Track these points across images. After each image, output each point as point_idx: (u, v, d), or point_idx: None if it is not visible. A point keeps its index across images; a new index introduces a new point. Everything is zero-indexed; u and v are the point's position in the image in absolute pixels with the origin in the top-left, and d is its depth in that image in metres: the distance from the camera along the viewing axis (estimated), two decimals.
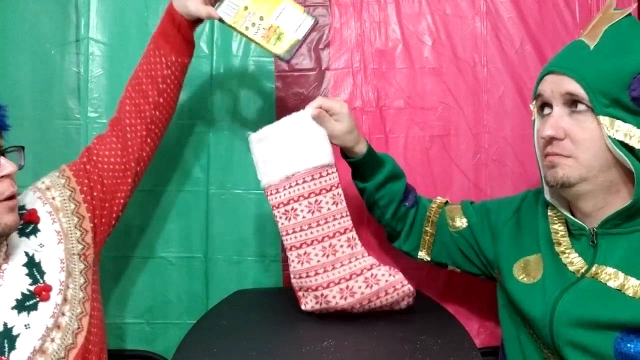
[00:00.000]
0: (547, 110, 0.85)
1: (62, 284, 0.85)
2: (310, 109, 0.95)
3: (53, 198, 0.90)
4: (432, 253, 1.06)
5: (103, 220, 0.94)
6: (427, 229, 1.05)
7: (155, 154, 1.03)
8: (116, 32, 1.21)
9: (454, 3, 1.22)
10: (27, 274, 0.82)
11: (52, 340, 0.81)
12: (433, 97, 1.22)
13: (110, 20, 1.21)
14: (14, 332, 0.78)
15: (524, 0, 1.21)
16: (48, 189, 0.90)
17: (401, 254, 1.11)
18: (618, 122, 0.76)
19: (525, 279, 0.89)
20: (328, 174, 0.96)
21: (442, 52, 1.22)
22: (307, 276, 0.96)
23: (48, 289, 0.82)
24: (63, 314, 0.83)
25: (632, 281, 0.78)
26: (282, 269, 1.22)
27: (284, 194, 0.96)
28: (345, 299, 0.95)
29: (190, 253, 1.23)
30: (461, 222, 1.03)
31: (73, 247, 0.89)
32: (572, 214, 0.87)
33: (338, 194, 0.96)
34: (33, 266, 0.83)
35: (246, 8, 0.94)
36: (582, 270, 0.83)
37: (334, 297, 0.95)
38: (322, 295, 0.96)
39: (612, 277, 0.79)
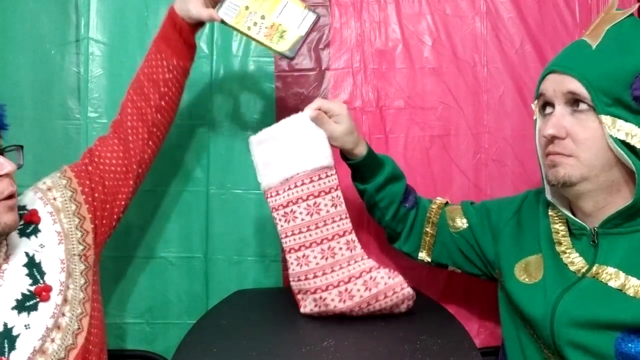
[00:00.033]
0: (549, 110, 0.85)
1: (63, 285, 0.85)
2: (309, 110, 0.95)
3: (54, 199, 0.90)
4: (433, 254, 1.05)
5: (104, 221, 0.94)
6: (427, 229, 1.05)
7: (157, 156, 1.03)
8: (116, 32, 1.22)
9: (454, 3, 1.22)
10: (27, 274, 0.82)
11: (52, 340, 0.81)
12: (433, 97, 1.22)
13: (110, 20, 1.21)
14: (14, 333, 0.78)
15: (524, 0, 1.21)
16: (49, 189, 0.90)
17: (401, 255, 1.11)
18: (620, 122, 0.77)
19: (526, 279, 0.89)
20: (327, 176, 0.95)
21: (442, 52, 1.22)
22: (306, 279, 0.96)
23: (48, 289, 0.82)
24: (63, 315, 0.83)
25: (633, 281, 0.78)
26: (282, 269, 1.22)
27: (283, 197, 0.96)
28: (344, 302, 0.94)
29: (190, 253, 1.23)
30: (462, 223, 1.03)
31: (74, 247, 0.89)
32: (573, 214, 0.87)
33: (337, 196, 0.95)
34: (33, 266, 0.83)
35: (247, 8, 0.94)
36: (583, 270, 0.83)
37: (332, 300, 0.94)
38: (320, 298, 0.95)
39: (612, 277, 0.79)
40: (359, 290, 0.94)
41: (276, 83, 1.22)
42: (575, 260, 0.84)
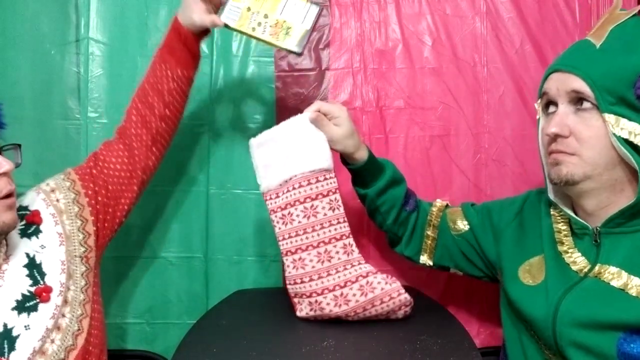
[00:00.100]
0: (552, 109, 0.85)
1: (63, 286, 0.85)
2: (309, 112, 0.95)
3: (57, 200, 0.90)
4: (435, 257, 1.05)
5: (106, 224, 0.94)
6: (428, 233, 1.05)
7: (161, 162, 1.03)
8: (116, 32, 1.22)
9: (454, 3, 1.22)
10: (27, 275, 0.82)
11: (52, 341, 0.81)
12: (433, 97, 1.22)
13: (110, 20, 1.21)
14: (14, 333, 0.78)
15: (524, 0, 1.21)
16: (53, 191, 0.90)
17: (401, 257, 1.10)
18: (623, 120, 0.77)
19: (530, 281, 0.89)
20: (325, 178, 0.95)
21: (442, 52, 1.22)
22: (302, 282, 0.95)
23: (48, 290, 0.82)
24: (63, 316, 0.83)
25: (636, 280, 0.77)
26: (282, 269, 1.21)
27: (282, 199, 0.95)
28: (340, 306, 0.94)
29: (190, 253, 1.23)
30: (463, 225, 1.03)
31: (75, 249, 0.89)
32: (575, 213, 0.87)
33: (335, 199, 0.95)
34: (34, 267, 0.83)
35: (249, 9, 0.94)
36: (585, 270, 0.83)
37: (328, 304, 0.94)
38: (316, 301, 0.95)
39: (615, 276, 0.79)
40: (354, 294, 0.93)
41: (276, 83, 1.22)
42: (577, 260, 0.84)
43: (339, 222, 0.95)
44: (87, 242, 0.91)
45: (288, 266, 0.96)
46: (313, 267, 0.94)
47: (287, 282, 0.97)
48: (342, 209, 0.95)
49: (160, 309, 1.24)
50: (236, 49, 1.22)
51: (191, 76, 1.00)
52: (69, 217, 0.89)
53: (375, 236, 1.21)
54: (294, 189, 0.95)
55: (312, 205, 0.94)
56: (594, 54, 0.80)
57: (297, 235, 0.95)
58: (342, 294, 0.93)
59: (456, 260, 1.04)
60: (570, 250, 0.86)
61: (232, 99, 1.23)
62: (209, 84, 1.21)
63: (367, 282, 0.93)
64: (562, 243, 0.88)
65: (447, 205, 1.08)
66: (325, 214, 0.94)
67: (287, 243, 0.95)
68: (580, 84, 0.79)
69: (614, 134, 0.77)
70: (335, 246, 0.95)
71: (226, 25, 0.94)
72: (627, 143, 0.77)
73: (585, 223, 0.84)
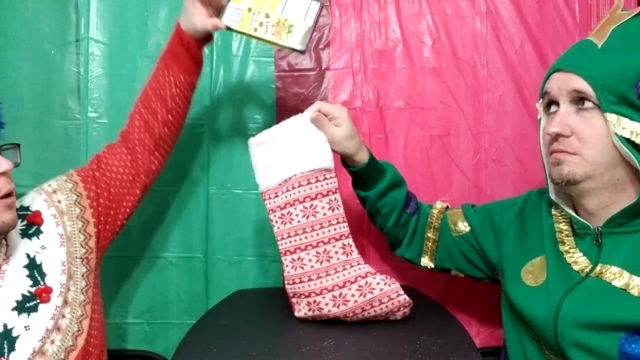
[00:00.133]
0: (553, 108, 0.85)
1: (63, 287, 0.85)
2: (309, 112, 0.95)
3: (59, 201, 0.90)
4: (436, 259, 1.05)
5: (107, 226, 0.95)
6: (429, 235, 1.04)
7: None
8: (116, 32, 1.21)
9: (454, 3, 1.22)
10: (27, 276, 0.82)
11: (52, 342, 0.81)
12: (433, 97, 1.22)
13: (110, 20, 1.21)
14: (14, 334, 0.78)
15: (524, 0, 1.21)
16: (54, 192, 0.91)
17: (401, 259, 1.10)
18: (625, 120, 0.77)
19: (532, 282, 0.89)
20: (325, 178, 0.94)
21: (442, 52, 1.21)
22: (300, 282, 0.95)
23: (48, 290, 0.82)
24: (63, 316, 0.83)
25: (637, 280, 0.77)
26: (282, 269, 1.21)
27: (281, 198, 0.95)
28: (338, 307, 0.93)
29: (190, 253, 1.23)
30: (464, 226, 1.03)
31: (76, 250, 0.89)
32: (576, 213, 0.87)
33: (335, 199, 0.94)
34: (34, 268, 0.83)
35: (250, 10, 0.94)
36: (587, 270, 0.83)
37: (326, 304, 0.93)
38: (314, 302, 0.94)
39: (616, 276, 0.79)
40: (353, 295, 0.93)
41: (276, 83, 1.22)
42: (578, 260, 0.84)
43: (338, 222, 0.95)
44: (88, 243, 0.91)
45: (287, 266, 0.96)
46: (312, 267, 0.94)
47: (286, 282, 0.97)
48: (341, 209, 0.95)
49: (160, 309, 1.24)
50: (236, 49, 1.22)
51: (194, 82, 1.00)
52: (70, 218, 0.90)
53: (375, 237, 1.21)
54: (293, 188, 0.95)
55: (311, 205, 0.94)
56: (596, 54, 0.80)
57: (296, 234, 0.94)
58: (340, 295, 0.93)
59: (457, 261, 1.04)
60: (571, 250, 0.86)
61: (232, 99, 1.23)
62: (209, 84, 1.21)
63: (366, 283, 0.93)
64: (564, 243, 0.88)
65: (447, 207, 1.08)
66: (324, 214, 0.94)
67: (285, 243, 0.95)
68: (581, 84, 0.79)
69: (616, 134, 0.77)
70: (334, 246, 0.94)
71: (228, 28, 0.94)
72: (629, 142, 0.77)
73: (587, 223, 0.84)
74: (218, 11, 0.95)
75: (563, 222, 0.90)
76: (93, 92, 1.21)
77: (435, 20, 1.22)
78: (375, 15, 1.22)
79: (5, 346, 0.77)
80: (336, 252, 0.94)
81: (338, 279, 0.94)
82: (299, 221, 0.94)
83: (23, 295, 0.80)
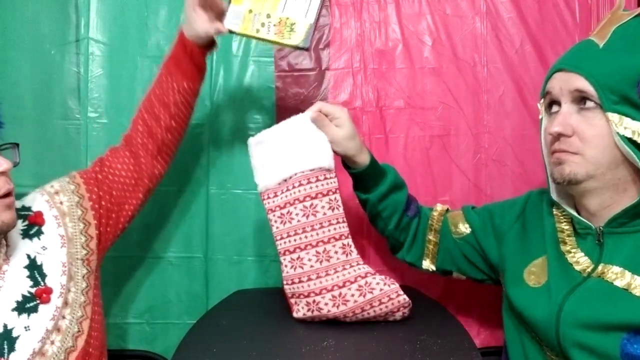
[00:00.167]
0: (555, 108, 0.85)
1: (63, 287, 0.85)
2: (310, 112, 0.95)
3: (61, 202, 0.90)
4: (437, 261, 1.05)
5: (108, 229, 0.95)
6: (430, 237, 1.04)
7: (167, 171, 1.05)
8: (116, 32, 1.22)
9: (454, 3, 1.22)
10: (28, 276, 0.82)
11: (52, 342, 0.81)
12: (433, 97, 1.22)
13: (110, 20, 1.21)
14: (14, 334, 0.78)
15: (524, 0, 1.21)
16: (57, 193, 0.91)
17: (401, 261, 1.10)
18: (627, 120, 0.77)
19: (535, 283, 0.89)
20: (325, 178, 0.94)
21: (442, 52, 1.21)
22: (300, 282, 0.94)
23: (49, 291, 0.82)
24: (63, 317, 0.83)
25: (639, 280, 0.77)
26: (281, 270, 1.21)
27: (280, 198, 0.95)
28: (338, 307, 0.93)
29: (190, 253, 1.23)
30: (464, 228, 1.02)
31: (77, 251, 0.89)
32: (578, 213, 0.87)
33: (335, 199, 0.94)
34: (34, 268, 0.83)
35: (250, 11, 0.94)
36: (589, 270, 0.83)
37: (326, 304, 0.93)
38: (314, 302, 0.94)
39: (618, 276, 0.79)
40: (353, 295, 0.93)
41: (276, 83, 1.22)
42: (580, 260, 0.84)
43: (338, 222, 0.94)
44: (89, 245, 0.91)
45: (286, 266, 0.95)
46: (312, 266, 0.94)
47: (285, 282, 0.97)
48: (341, 209, 0.95)
49: (160, 309, 1.24)
50: (236, 49, 1.22)
51: (197, 88, 1.01)
52: (72, 219, 0.90)
53: (375, 238, 1.21)
54: (293, 187, 0.94)
55: (311, 204, 0.94)
56: (597, 54, 0.80)
57: (296, 234, 0.94)
58: (340, 294, 0.93)
59: (458, 263, 1.04)
60: (573, 250, 0.86)
61: (232, 99, 1.23)
62: (209, 84, 1.21)
63: (366, 283, 0.93)
64: (565, 243, 0.87)
65: (447, 210, 1.08)
66: (324, 214, 0.94)
67: (285, 242, 0.95)
68: (583, 84, 0.79)
69: (618, 133, 0.77)
70: (334, 246, 0.94)
71: (230, 31, 0.94)
72: (631, 142, 0.77)
73: (588, 223, 0.84)
74: (220, 16, 0.95)
75: (564, 222, 0.89)
76: (93, 92, 1.21)
77: (435, 20, 1.22)
78: (375, 15, 1.22)
79: (5, 346, 0.77)
80: (336, 252, 0.94)
81: (338, 278, 0.94)
82: (298, 220, 0.94)
83: (23, 296, 0.80)
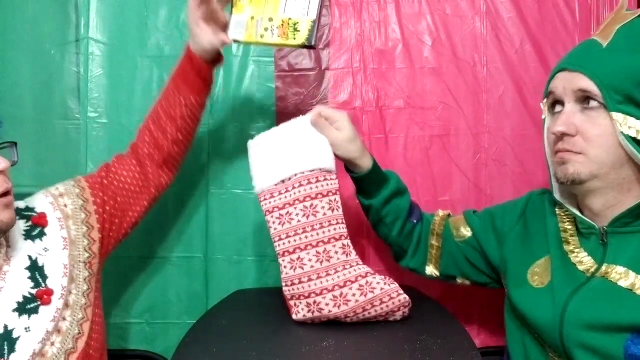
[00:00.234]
0: (558, 108, 0.85)
1: (64, 289, 0.85)
2: (310, 115, 0.95)
3: (65, 205, 0.91)
4: (441, 266, 1.05)
5: (111, 234, 0.96)
6: (432, 242, 1.04)
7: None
8: (116, 32, 1.22)
9: (454, 3, 1.22)
10: (29, 277, 0.82)
11: (52, 344, 0.81)
12: (433, 97, 1.22)
13: (110, 20, 1.21)
14: (14, 335, 0.78)
15: (524, 0, 1.21)
16: (61, 195, 0.91)
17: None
18: (631, 119, 0.77)
19: (538, 283, 0.88)
20: (326, 179, 0.94)
21: (442, 52, 1.21)
22: (300, 282, 0.94)
23: (50, 292, 0.83)
24: (64, 319, 0.84)
25: None
26: (280, 271, 1.21)
27: (280, 198, 0.95)
28: (339, 307, 0.93)
29: (190, 253, 1.23)
30: (466, 231, 1.02)
31: (79, 254, 0.89)
32: (581, 213, 0.87)
33: (335, 200, 0.94)
34: (36, 270, 0.83)
35: (253, 18, 0.94)
36: (592, 270, 0.82)
37: (327, 304, 0.93)
38: (314, 302, 0.93)
39: (622, 276, 0.79)
40: (354, 295, 0.92)
41: (276, 83, 1.22)
42: (584, 260, 0.84)
43: (337, 223, 0.94)
44: (92, 248, 0.92)
45: (285, 267, 0.95)
46: (312, 267, 0.94)
47: (284, 283, 0.96)
48: (341, 211, 0.95)
49: (160, 309, 1.24)
50: (236, 49, 1.22)
51: (204, 102, 1.02)
52: (76, 222, 0.90)
53: (375, 238, 1.21)
54: (293, 188, 0.94)
55: (311, 205, 0.94)
56: (601, 53, 0.80)
57: (295, 234, 0.94)
58: (341, 294, 0.93)
59: (462, 267, 1.03)
60: (576, 250, 0.86)
61: (232, 99, 1.23)
62: None
63: (367, 283, 0.93)
64: (568, 243, 0.87)
65: (449, 215, 1.08)
66: (324, 214, 0.94)
67: (284, 243, 0.95)
68: (587, 83, 0.79)
69: (622, 133, 0.77)
70: (334, 246, 0.94)
71: (236, 41, 0.94)
72: (635, 142, 0.77)
73: (592, 223, 0.84)
74: (224, 27, 0.96)
75: (567, 221, 0.89)
76: (93, 92, 1.21)
77: (435, 20, 1.22)
78: (375, 15, 1.22)
79: (6, 347, 0.77)
80: (336, 252, 0.94)
81: (339, 278, 0.94)
82: (299, 221, 0.94)
83: (24, 297, 0.81)
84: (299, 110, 1.21)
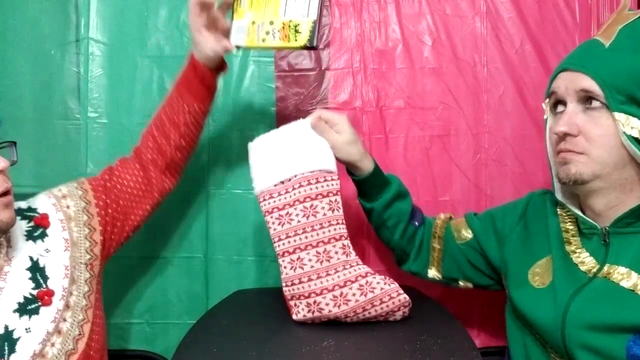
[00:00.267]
0: (560, 108, 0.85)
1: (65, 290, 0.85)
2: (310, 118, 0.96)
3: (67, 207, 0.91)
4: (443, 269, 1.05)
5: (113, 236, 0.96)
6: (434, 245, 1.04)
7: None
8: (116, 32, 1.22)
9: (454, 3, 1.22)
10: (30, 278, 0.82)
11: (52, 345, 0.81)
12: (433, 97, 1.22)
13: (110, 20, 1.21)
14: (15, 336, 0.78)
15: (524, 0, 1.20)
16: (64, 197, 0.92)
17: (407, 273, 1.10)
18: (633, 120, 0.77)
19: (539, 284, 0.88)
20: (326, 180, 0.94)
21: (442, 52, 1.21)
22: (300, 282, 0.94)
23: (50, 293, 0.83)
24: (64, 320, 0.84)
25: None
26: (280, 272, 1.21)
27: (279, 199, 0.95)
28: (339, 306, 0.93)
29: (190, 253, 1.23)
30: (467, 233, 1.02)
31: (81, 256, 0.90)
32: (583, 213, 0.87)
33: (336, 200, 0.94)
34: (37, 270, 0.83)
35: (253, 22, 0.94)
36: (594, 270, 0.82)
37: (327, 304, 0.93)
38: (315, 302, 0.93)
39: (625, 276, 0.79)
40: (354, 294, 0.92)
41: (276, 83, 1.22)
42: (585, 260, 0.84)
43: (337, 223, 0.94)
44: (94, 250, 0.92)
45: (285, 267, 0.95)
46: (312, 267, 0.94)
47: (284, 284, 0.96)
48: (341, 211, 0.95)
49: (160, 309, 1.24)
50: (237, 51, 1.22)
51: (207, 109, 1.02)
52: (77, 224, 0.90)
53: (375, 238, 1.21)
54: (294, 188, 0.94)
55: (311, 205, 0.94)
56: (603, 53, 0.80)
57: (295, 234, 0.94)
58: (341, 294, 0.93)
59: (464, 269, 1.04)
60: (578, 250, 0.86)
61: (232, 99, 1.23)
62: None
63: (367, 282, 0.93)
64: (570, 243, 0.87)
65: (450, 217, 1.08)
66: (324, 214, 0.94)
67: (284, 243, 0.95)
68: (589, 83, 0.79)
69: (624, 133, 0.77)
70: (334, 246, 0.94)
71: (238, 47, 0.95)
72: (637, 142, 0.77)
73: (594, 223, 0.84)
74: (226, 33, 0.96)
75: (569, 221, 0.89)
76: (93, 92, 1.21)
77: (435, 20, 1.22)
78: (375, 15, 1.22)
79: (6, 348, 0.77)
80: (336, 252, 0.94)
81: (339, 278, 0.94)
82: (299, 221, 0.94)
83: (25, 298, 0.81)
84: (299, 110, 1.21)
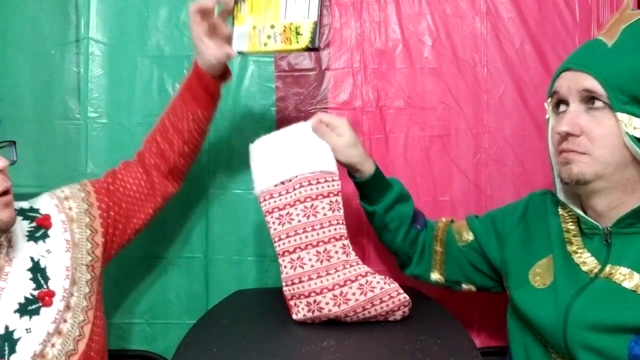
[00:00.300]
0: (562, 108, 0.85)
1: (66, 291, 0.85)
2: (310, 122, 0.96)
3: (70, 208, 0.91)
4: (445, 272, 1.05)
5: (114, 238, 0.96)
6: (436, 248, 1.04)
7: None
8: (116, 32, 1.22)
9: (454, 3, 1.22)
10: (31, 279, 0.82)
11: (53, 345, 0.81)
12: (433, 97, 1.22)
13: (110, 20, 1.21)
14: (15, 336, 0.78)
15: (524, 0, 1.20)
16: (66, 198, 0.92)
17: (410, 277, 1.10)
18: (636, 120, 0.76)
19: (540, 284, 0.88)
20: (326, 180, 0.94)
21: (442, 52, 1.21)
22: (300, 282, 0.94)
23: (51, 294, 0.83)
24: (65, 321, 0.84)
25: None
26: (280, 271, 1.21)
27: (280, 199, 0.95)
28: (339, 306, 0.93)
29: (190, 253, 1.23)
30: (468, 235, 1.03)
31: (82, 257, 0.90)
32: (585, 213, 0.87)
33: (336, 201, 0.94)
34: (38, 271, 0.83)
35: (254, 27, 0.94)
36: (596, 271, 0.82)
37: (327, 303, 0.93)
38: (315, 301, 0.93)
39: (626, 277, 0.79)
40: (354, 294, 0.93)
41: (276, 83, 1.22)
42: (587, 260, 0.84)
43: (338, 223, 0.95)
44: (95, 252, 0.92)
45: (285, 267, 0.95)
46: (312, 266, 0.94)
47: (284, 283, 0.96)
48: (341, 212, 0.95)
49: (160, 309, 1.24)
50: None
51: (211, 116, 1.02)
52: (79, 226, 0.91)
53: (375, 238, 1.21)
54: (294, 189, 0.95)
55: (312, 205, 0.94)
56: (606, 53, 0.80)
57: (296, 234, 0.94)
58: (341, 293, 0.93)
59: (466, 272, 1.04)
60: (579, 251, 0.85)
61: (232, 99, 1.22)
62: None
63: (367, 282, 0.93)
64: (571, 243, 0.87)
65: (452, 221, 1.08)
66: (325, 214, 0.94)
67: (284, 243, 0.95)
68: (592, 83, 0.79)
69: (627, 133, 0.77)
70: (334, 246, 0.94)
71: (240, 52, 0.95)
72: None
73: (596, 223, 0.84)
74: (228, 40, 0.96)
75: (570, 221, 0.89)
76: (93, 92, 1.22)
77: (435, 20, 1.22)
78: (375, 15, 1.22)
79: (6, 348, 0.77)
80: (336, 252, 0.94)
81: (339, 277, 0.94)
82: (299, 221, 0.94)
83: (25, 298, 0.81)
84: (299, 110, 1.22)
